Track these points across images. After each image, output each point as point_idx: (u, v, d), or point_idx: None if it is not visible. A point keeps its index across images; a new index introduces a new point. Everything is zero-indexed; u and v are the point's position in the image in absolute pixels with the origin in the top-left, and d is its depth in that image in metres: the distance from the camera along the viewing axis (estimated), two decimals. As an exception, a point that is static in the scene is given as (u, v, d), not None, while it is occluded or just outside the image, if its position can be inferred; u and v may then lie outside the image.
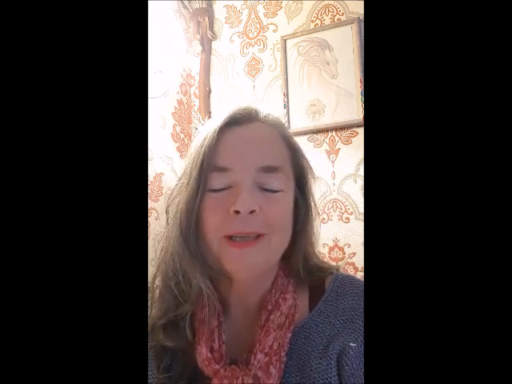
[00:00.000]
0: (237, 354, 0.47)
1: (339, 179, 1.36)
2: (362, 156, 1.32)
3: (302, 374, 0.45)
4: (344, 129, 1.37)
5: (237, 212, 0.44)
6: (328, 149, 1.39)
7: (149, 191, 1.37)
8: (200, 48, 1.63)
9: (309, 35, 1.44)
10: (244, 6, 1.62)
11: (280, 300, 0.49)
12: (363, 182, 1.29)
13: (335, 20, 1.42)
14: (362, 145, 1.32)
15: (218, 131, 0.47)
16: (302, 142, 1.37)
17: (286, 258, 0.51)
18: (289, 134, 0.53)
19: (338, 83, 1.38)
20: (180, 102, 1.58)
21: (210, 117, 1.59)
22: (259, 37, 1.57)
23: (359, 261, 1.30)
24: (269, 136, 0.50)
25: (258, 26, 1.58)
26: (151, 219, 1.35)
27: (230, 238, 0.46)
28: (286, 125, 1.38)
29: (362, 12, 1.35)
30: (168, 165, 1.46)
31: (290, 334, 0.46)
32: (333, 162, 1.37)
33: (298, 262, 0.52)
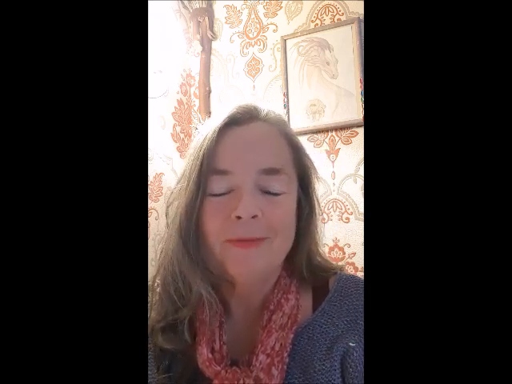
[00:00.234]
0: (238, 354, 0.46)
1: (339, 179, 1.36)
2: (362, 156, 1.32)
3: (304, 376, 0.44)
4: (344, 129, 1.37)
5: (238, 217, 0.44)
6: (328, 149, 1.39)
7: (149, 191, 1.37)
8: (200, 48, 1.63)
9: (309, 35, 1.44)
10: (244, 6, 1.62)
11: (282, 300, 0.48)
12: (363, 182, 1.29)
13: (335, 20, 1.42)
14: (361, 145, 1.32)
15: (218, 132, 0.46)
16: (302, 142, 1.37)
17: (290, 257, 0.50)
18: (291, 133, 0.52)
19: (338, 83, 1.38)
20: (180, 102, 1.58)
21: (210, 117, 1.59)
22: (259, 37, 1.57)
23: (359, 261, 1.30)
24: (270, 136, 0.49)
25: (258, 25, 1.58)
26: (151, 219, 1.35)
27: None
28: (287, 123, 1.38)
29: (362, 12, 1.35)
30: (168, 165, 1.46)
31: (292, 335, 0.46)
32: (333, 162, 1.37)
33: (302, 262, 0.51)
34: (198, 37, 1.63)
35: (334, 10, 1.43)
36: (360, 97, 1.33)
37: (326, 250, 1.34)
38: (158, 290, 0.51)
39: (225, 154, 0.46)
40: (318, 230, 0.53)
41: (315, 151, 1.38)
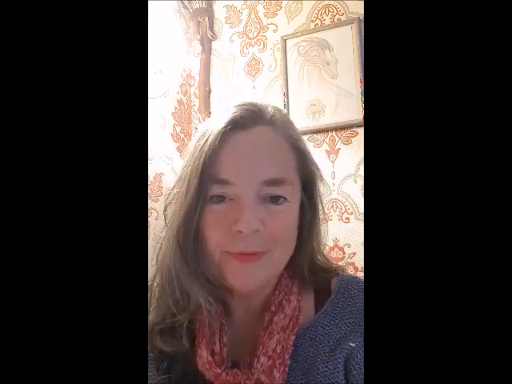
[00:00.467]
0: (239, 356, 0.45)
1: (339, 179, 1.36)
2: (362, 156, 1.32)
3: (307, 378, 0.44)
4: (344, 129, 1.37)
5: (239, 231, 0.42)
6: (328, 149, 1.39)
7: (149, 191, 1.37)
8: (200, 48, 1.63)
9: (309, 35, 1.44)
10: (244, 6, 1.62)
11: (284, 301, 0.48)
12: (363, 182, 1.29)
13: (335, 20, 1.42)
14: (361, 145, 1.32)
15: (220, 138, 0.44)
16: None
17: (291, 259, 0.49)
18: (296, 137, 0.49)
19: (338, 83, 1.38)
20: (180, 102, 1.59)
21: (210, 117, 1.59)
22: (259, 37, 1.57)
23: (359, 261, 1.30)
24: (274, 143, 0.46)
25: (258, 25, 1.58)
26: (151, 219, 1.35)
27: None
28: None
29: (362, 12, 1.35)
30: (168, 165, 1.46)
31: (293, 337, 0.45)
32: (333, 162, 1.37)
33: (304, 263, 0.51)
34: (198, 37, 1.63)
35: (334, 10, 1.43)
36: (360, 97, 1.33)
37: (326, 250, 1.33)
38: (155, 294, 0.50)
39: (227, 163, 0.44)
40: (322, 232, 0.53)
41: (315, 151, 1.38)
